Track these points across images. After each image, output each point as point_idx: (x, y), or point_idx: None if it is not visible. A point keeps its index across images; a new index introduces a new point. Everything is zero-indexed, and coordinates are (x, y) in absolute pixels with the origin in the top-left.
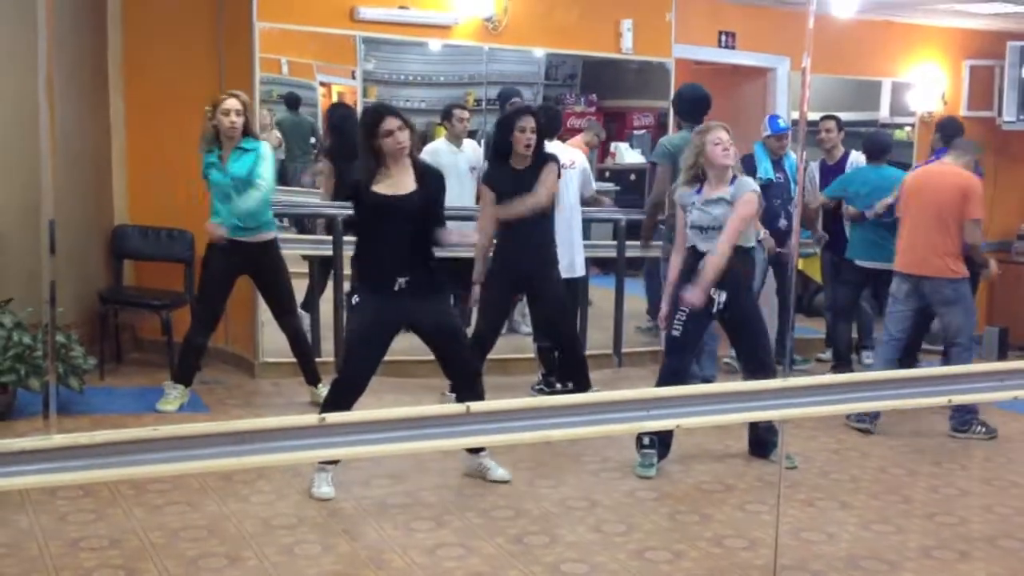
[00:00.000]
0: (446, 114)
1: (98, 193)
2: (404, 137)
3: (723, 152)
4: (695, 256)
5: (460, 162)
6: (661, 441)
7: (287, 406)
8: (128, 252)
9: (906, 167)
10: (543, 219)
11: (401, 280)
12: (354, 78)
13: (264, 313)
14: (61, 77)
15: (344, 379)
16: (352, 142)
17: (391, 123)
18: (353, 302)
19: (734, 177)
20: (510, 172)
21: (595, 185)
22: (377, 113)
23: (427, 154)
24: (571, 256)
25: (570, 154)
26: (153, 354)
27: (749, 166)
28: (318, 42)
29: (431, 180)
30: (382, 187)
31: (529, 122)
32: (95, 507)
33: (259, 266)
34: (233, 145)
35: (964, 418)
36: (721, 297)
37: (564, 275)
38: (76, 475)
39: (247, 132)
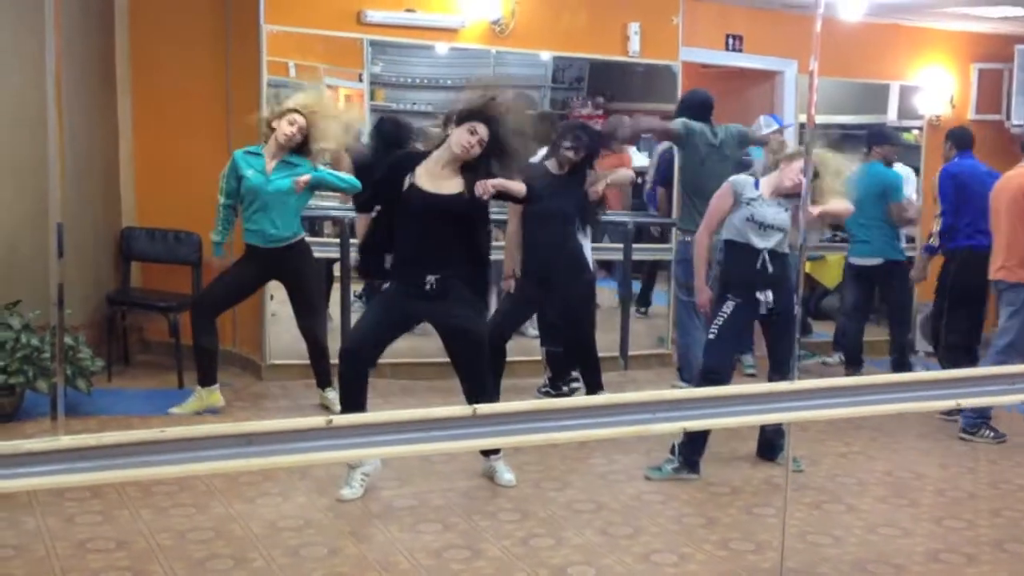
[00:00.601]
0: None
1: (106, 195)
2: (478, 149)
3: (798, 182)
4: (749, 254)
5: None
6: (692, 445)
7: (294, 408)
8: (136, 254)
9: (915, 170)
10: (565, 223)
11: (431, 279)
12: (361, 81)
13: (272, 315)
14: (69, 79)
15: (348, 346)
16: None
17: (480, 129)
18: (381, 288)
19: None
20: (548, 175)
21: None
22: (475, 115)
23: None
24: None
25: None
26: (161, 356)
27: (746, 165)
28: (325, 45)
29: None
30: (425, 181)
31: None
32: (102, 509)
33: (283, 269)
34: (281, 157)
35: (974, 421)
36: (768, 297)
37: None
38: (83, 476)
39: (300, 149)
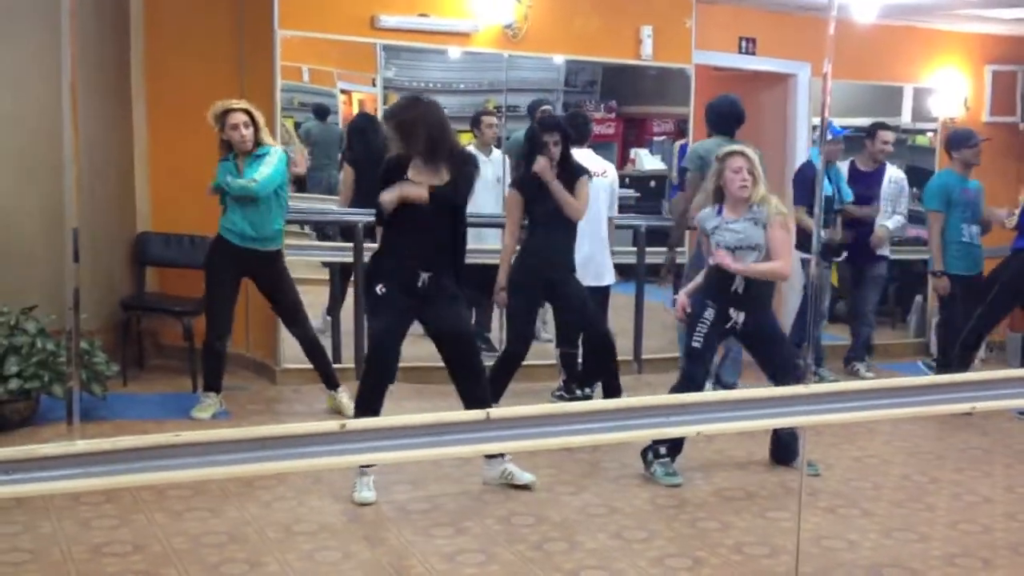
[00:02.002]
0: (475, 121)
1: (121, 200)
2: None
3: (740, 184)
4: (726, 276)
5: (488, 171)
6: (673, 444)
7: (308, 412)
8: (151, 259)
9: (928, 173)
10: (567, 228)
11: (424, 276)
12: (375, 85)
13: None
14: (84, 86)
15: (372, 371)
16: (375, 148)
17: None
18: (378, 292)
19: (750, 204)
20: (539, 181)
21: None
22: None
23: None
24: (599, 265)
25: (602, 164)
26: (175, 360)
27: (808, 174)
28: (339, 50)
29: (465, 170)
30: (416, 175)
31: (553, 136)
32: (117, 513)
33: (261, 275)
34: (247, 154)
35: None
36: (740, 317)
37: (592, 283)
38: (99, 481)
39: (258, 141)
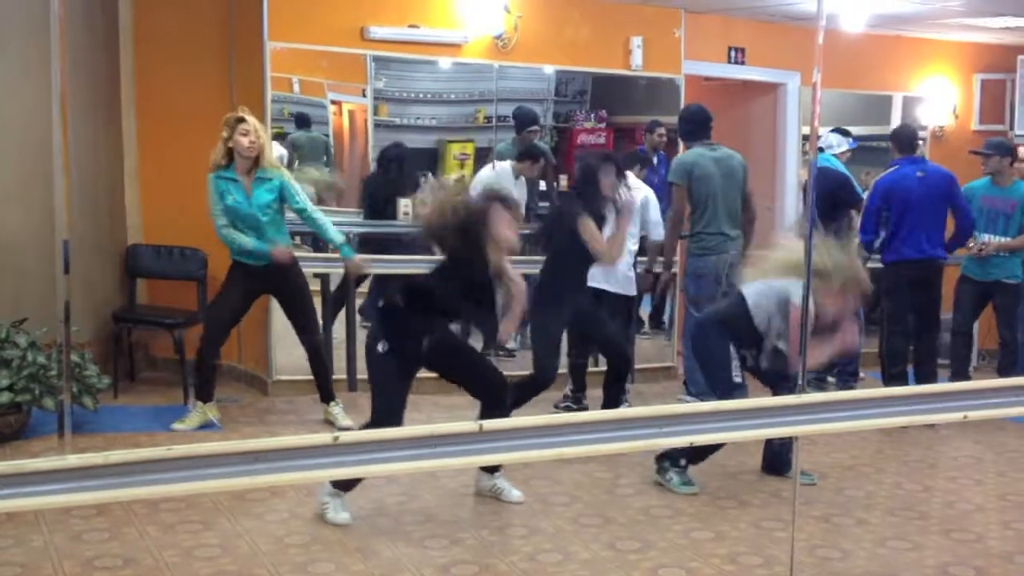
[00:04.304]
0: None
1: (111, 212)
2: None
3: None
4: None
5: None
6: (696, 452)
7: (300, 424)
8: (141, 271)
9: None
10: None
11: (426, 340)
12: (365, 96)
13: (277, 331)
14: (74, 98)
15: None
16: (399, 176)
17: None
18: (380, 349)
19: None
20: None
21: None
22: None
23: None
24: (624, 275)
25: (641, 188)
26: (166, 372)
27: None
28: (329, 61)
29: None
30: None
31: (613, 170)
32: (109, 526)
33: (279, 286)
34: (249, 168)
35: None
36: None
37: (618, 291)
38: (90, 495)
39: (260, 159)
